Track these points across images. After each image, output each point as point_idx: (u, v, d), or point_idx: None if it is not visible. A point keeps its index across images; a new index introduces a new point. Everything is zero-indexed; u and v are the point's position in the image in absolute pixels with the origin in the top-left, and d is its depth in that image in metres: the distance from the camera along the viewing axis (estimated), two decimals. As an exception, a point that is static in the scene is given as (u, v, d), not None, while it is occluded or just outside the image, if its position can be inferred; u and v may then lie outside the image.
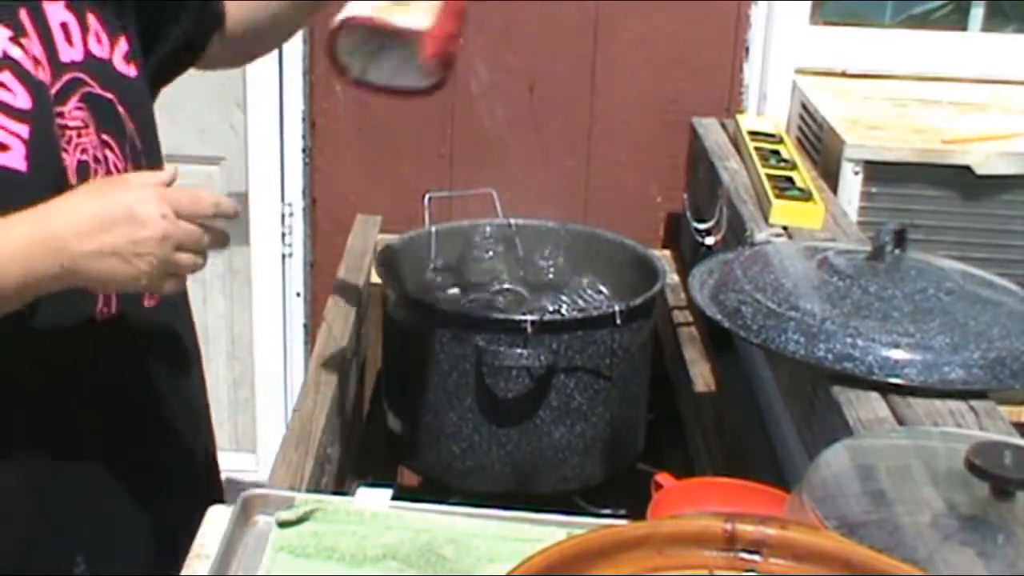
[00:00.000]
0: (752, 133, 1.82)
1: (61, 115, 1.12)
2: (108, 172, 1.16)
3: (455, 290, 1.56)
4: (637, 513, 1.17)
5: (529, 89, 2.19)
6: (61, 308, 1.12)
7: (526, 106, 2.20)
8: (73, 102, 1.14)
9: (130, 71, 1.22)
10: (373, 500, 1.06)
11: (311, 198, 2.29)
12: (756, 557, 0.72)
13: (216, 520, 1.04)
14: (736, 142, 1.88)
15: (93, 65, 1.17)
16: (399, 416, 1.53)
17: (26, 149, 1.07)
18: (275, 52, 2.20)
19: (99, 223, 1.02)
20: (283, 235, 2.32)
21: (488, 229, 1.65)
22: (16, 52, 1.08)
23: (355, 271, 1.78)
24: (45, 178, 1.08)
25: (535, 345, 1.37)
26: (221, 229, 1.08)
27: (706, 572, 0.71)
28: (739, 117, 1.97)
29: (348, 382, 1.58)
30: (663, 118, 2.18)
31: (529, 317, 1.39)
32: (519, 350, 1.37)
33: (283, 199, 2.29)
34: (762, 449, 1.45)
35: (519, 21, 2.15)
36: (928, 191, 1.79)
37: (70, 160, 1.13)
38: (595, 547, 0.70)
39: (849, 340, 1.11)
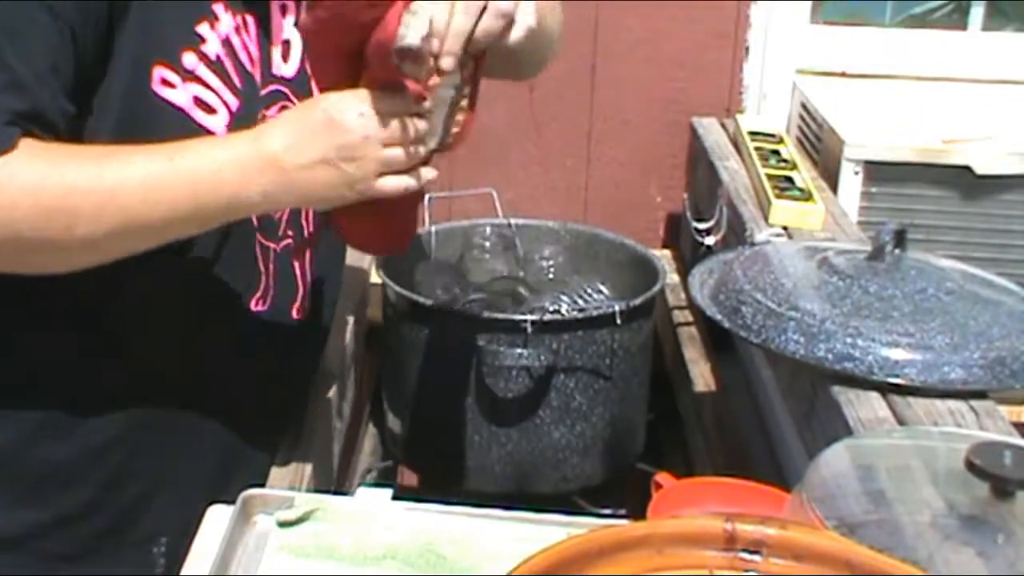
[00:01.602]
0: (752, 133, 1.82)
1: (264, 118, 1.16)
2: None
3: (455, 290, 1.56)
4: (637, 513, 1.17)
5: (529, 89, 2.19)
6: (212, 300, 1.18)
7: (526, 106, 2.20)
8: (274, 110, 1.18)
9: None
10: (373, 500, 1.06)
11: (311, 198, 2.29)
12: (756, 557, 0.71)
13: (216, 520, 1.04)
14: (736, 142, 1.88)
15: (301, 83, 1.19)
16: (399, 416, 1.53)
17: (230, 119, 1.11)
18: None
19: (304, 134, 1.04)
20: (283, 235, 2.31)
21: (488, 229, 1.65)
22: (236, 42, 1.13)
23: (355, 271, 1.78)
24: None
25: (535, 345, 1.37)
26: (432, 119, 1.08)
27: (706, 572, 0.71)
28: (739, 117, 1.97)
29: (348, 382, 1.58)
30: (663, 118, 2.18)
31: (529, 317, 1.39)
32: (519, 350, 1.37)
33: (283, 199, 2.29)
34: (762, 449, 1.45)
35: (519, 21, 2.14)
36: (928, 191, 1.79)
37: None
38: (595, 547, 0.70)
39: (849, 340, 1.11)
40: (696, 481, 1.19)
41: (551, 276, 1.61)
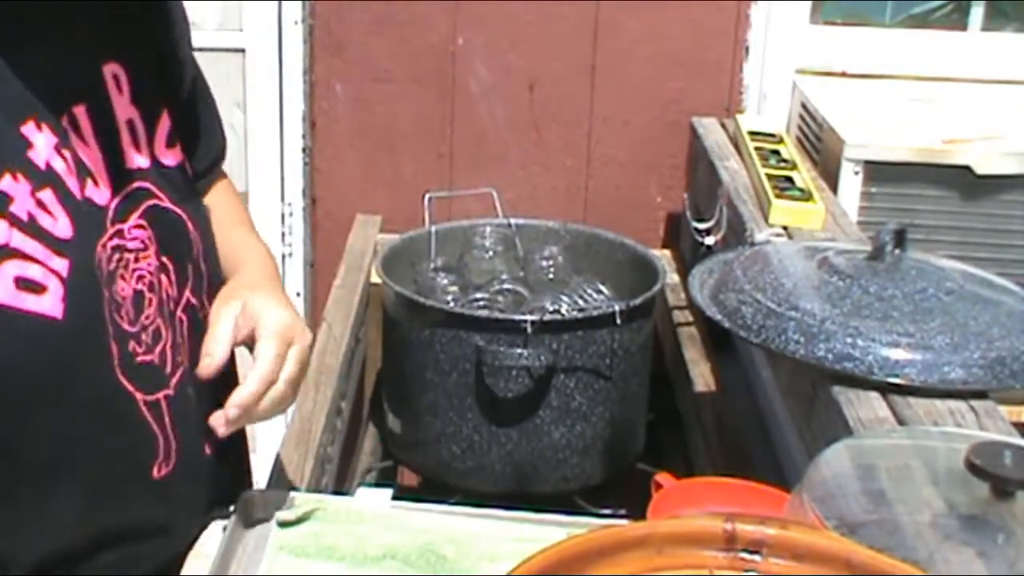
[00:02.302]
0: (752, 133, 1.82)
1: (120, 234, 0.94)
2: (160, 302, 0.99)
3: (455, 290, 1.56)
4: (637, 513, 1.17)
5: (529, 89, 2.19)
6: (107, 472, 0.96)
7: (526, 106, 2.20)
8: (135, 219, 0.96)
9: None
10: (373, 500, 1.06)
11: (311, 198, 2.29)
12: (756, 557, 0.71)
13: (216, 521, 1.04)
14: (736, 142, 1.88)
15: (162, 174, 1.00)
16: (399, 416, 1.53)
17: (64, 290, 0.88)
18: (274, 51, 2.21)
19: None
20: (283, 235, 2.32)
21: (488, 229, 1.65)
22: (59, 165, 0.89)
23: (355, 271, 1.78)
24: (81, 325, 0.90)
25: (535, 345, 1.37)
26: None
27: (706, 572, 0.71)
28: (739, 117, 1.97)
29: (348, 382, 1.58)
30: (663, 118, 2.18)
31: (529, 317, 1.39)
32: (519, 350, 1.37)
33: (283, 199, 2.30)
34: (762, 449, 1.45)
35: (519, 21, 2.15)
36: (928, 191, 1.80)
37: (127, 289, 0.95)
38: (595, 547, 0.70)
39: (849, 340, 1.11)
40: (696, 481, 1.19)
41: (551, 276, 1.61)
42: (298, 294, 2.36)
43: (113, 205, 0.94)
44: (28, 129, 0.87)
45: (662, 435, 1.64)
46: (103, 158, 0.93)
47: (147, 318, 0.97)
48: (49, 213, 0.88)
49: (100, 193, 0.93)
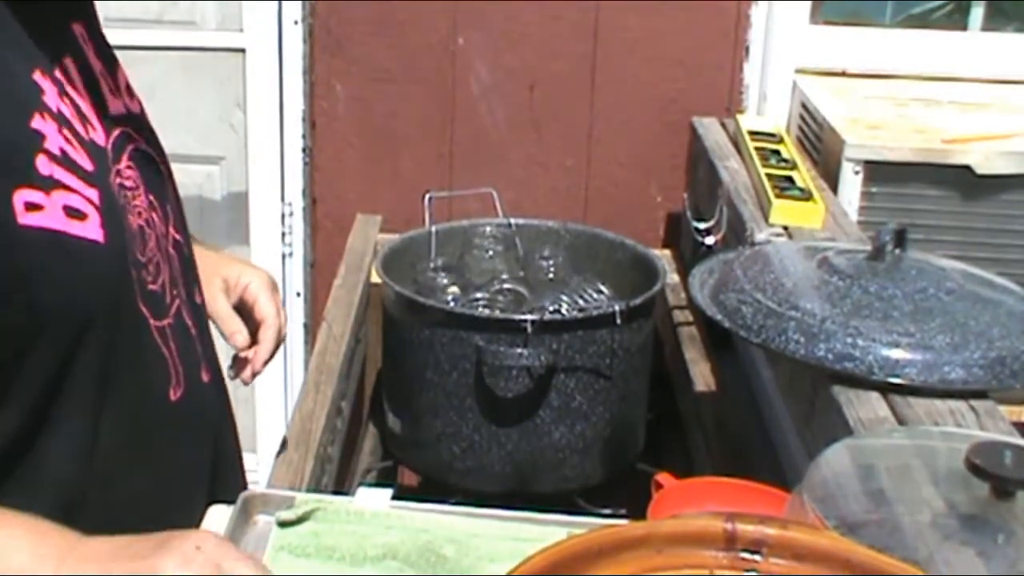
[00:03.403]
0: (752, 133, 1.82)
1: (119, 173, 1.00)
2: (156, 238, 1.04)
3: (455, 290, 1.56)
4: (637, 513, 1.17)
5: (529, 89, 2.19)
6: (137, 395, 1.01)
7: (526, 106, 2.20)
8: (125, 160, 1.02)
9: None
10: (373, 500, 1.06)
11: (311, 198, 2.29)
12: (756, 557, 0.71)
13: (216, 520, 1.03)
14: (736, 142, 1.88)
15: (134, 119, 1.07)
16: (399, 416, 1.53)
17: (100, 216, 0.94)
18: (274, 51, 2.21)
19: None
20: (283, 235, 2.32)
21: (488, 229, 1.65)
22: (66, 110, 0.95)
23: (355, 271, 1.78)
24: (118, 250, 0.97)
25: (535, 345, 1.37)
26: None
27: (706, 572, 0.71)
28: (739, 117, 1.97)
29: (348, 382, 1.58)
30: (663, 118, 2.18)
31: (529, 317, 1.39)
32: (519, 350, 1.37)
33: (283, 199, 2.30)
34: (762, 449, 1.45)
35: (519, 21, 2.15)
36: (928, 191, 1.79)
37: (134, 224, 1.00)
38: (595, 547, 0.70)
39: (849, 340, 1.11)
40: (696, 481, 1.19)
41: (551, 276, 1.61)
42: (298, 294, 2.37)
43: (110, 146, 1.00)
44: (37, 77, 0.93)
45: (662, 435, 1.64)
46: (92, 105, 1.00)
47: (150, 250, 1.03)
48: (74, 147, 0.94)
49: (98, 136, 0.99)
